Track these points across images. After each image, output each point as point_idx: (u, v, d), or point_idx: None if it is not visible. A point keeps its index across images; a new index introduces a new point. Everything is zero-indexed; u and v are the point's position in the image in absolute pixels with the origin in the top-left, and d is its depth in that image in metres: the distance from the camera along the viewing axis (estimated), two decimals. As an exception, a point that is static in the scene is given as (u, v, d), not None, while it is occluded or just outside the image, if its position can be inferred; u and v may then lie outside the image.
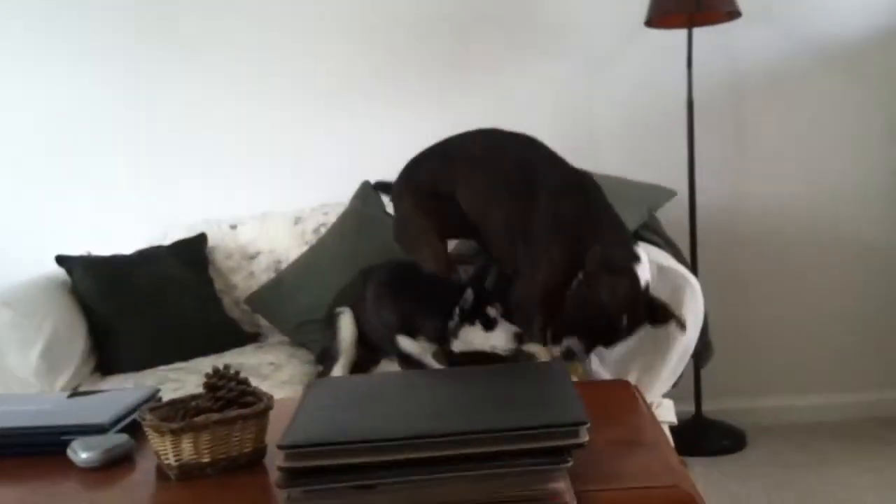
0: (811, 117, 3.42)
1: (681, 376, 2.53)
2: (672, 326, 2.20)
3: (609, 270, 2.13)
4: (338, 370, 2.43)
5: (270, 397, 1.56)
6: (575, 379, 2.21)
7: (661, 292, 2.36)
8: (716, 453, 3.22)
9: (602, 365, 2.37)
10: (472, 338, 2.30)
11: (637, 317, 2.15)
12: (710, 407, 3.37)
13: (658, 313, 2.19)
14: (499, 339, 2.28)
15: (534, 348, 2.24)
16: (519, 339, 2.26)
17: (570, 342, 2.15)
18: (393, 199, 2.58)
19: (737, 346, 3.42)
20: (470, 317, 2.28)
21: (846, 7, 3.34)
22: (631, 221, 2.72)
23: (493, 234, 2.37)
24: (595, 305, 2.10)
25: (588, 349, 2.16)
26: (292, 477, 1.24)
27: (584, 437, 1.24)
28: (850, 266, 3.46)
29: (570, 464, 1.23)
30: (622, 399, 1.73)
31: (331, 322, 2.52)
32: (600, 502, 1.27)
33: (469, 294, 2.28)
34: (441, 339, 2.33)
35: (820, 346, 3.49)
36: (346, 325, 2.49)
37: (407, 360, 2.39)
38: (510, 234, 2.33)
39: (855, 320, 3.48)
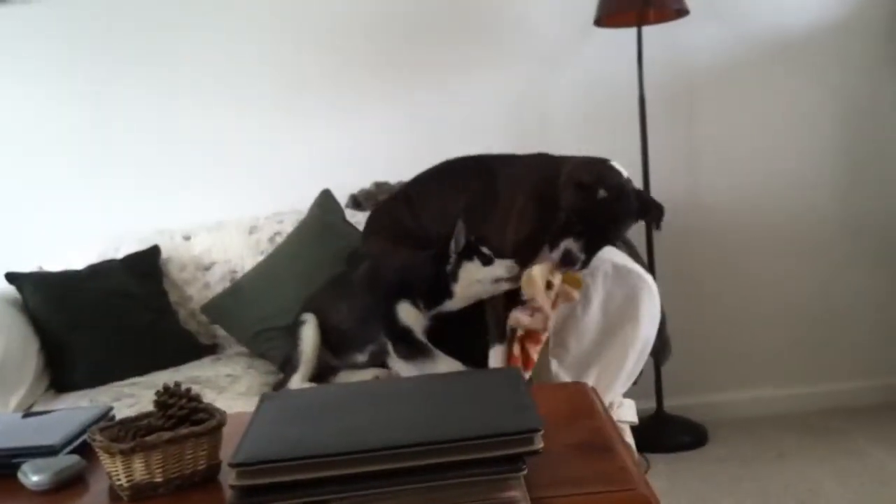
0: (762, 111, 3.45)
1: (640, 374, 2.54)
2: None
3: (589, 170, 2.22)
4: (296, 380, 2.40)
5: (223, 413, 1.54)
6: (576, 296, 2.23)
7: (617, 293, 2.37)
8: (677, 449, 3.24)
9: (561, 367, 2.37)
10: (474, 273, 2.31)
11: (628, 207, 2.23)
12: (671, 403, 3.39)
13: (649, 206, 2.29)
14: (500, 269, 2.30)
15: (536, 270, 2.23)
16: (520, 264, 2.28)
17: (567, 243, 2.19)
18: (362, 247, 2.64)
19: (695, 342, 3.44)
20: (467, 254, 2.31)
21: (789, 2, 3.38)
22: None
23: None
24: (588, 199, 2.17)
25: (586, 251, 2.21)
26: (245, 495, 1.23)
27: (539, 444, 1.24)
28: (804, 259, 3.50)
29: (524, 471, 1.22)
30: (579, 402, 1.73)
31: (294, 330, 2.49)
32: (556, 509, 1.26)
33: (460, 226, 2.31)
34: (440, 293, 2.32)
35: (776, 340, 3.53)
36: (309, 335, 2.45)
37: (403, 338, 2.34)
38: (475, 217, 2.39)
39: (810, 313, 3.52)
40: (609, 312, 2.37)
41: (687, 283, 3.46)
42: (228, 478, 1.24)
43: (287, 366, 2.47)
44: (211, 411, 1.54)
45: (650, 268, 3.20)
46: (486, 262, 2.31)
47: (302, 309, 2.53)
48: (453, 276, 2.32)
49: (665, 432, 3.33)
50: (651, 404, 3.37)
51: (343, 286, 2.52)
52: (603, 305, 2.38)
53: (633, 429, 2.73)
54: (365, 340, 2.42)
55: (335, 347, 2.47)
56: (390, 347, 2.36)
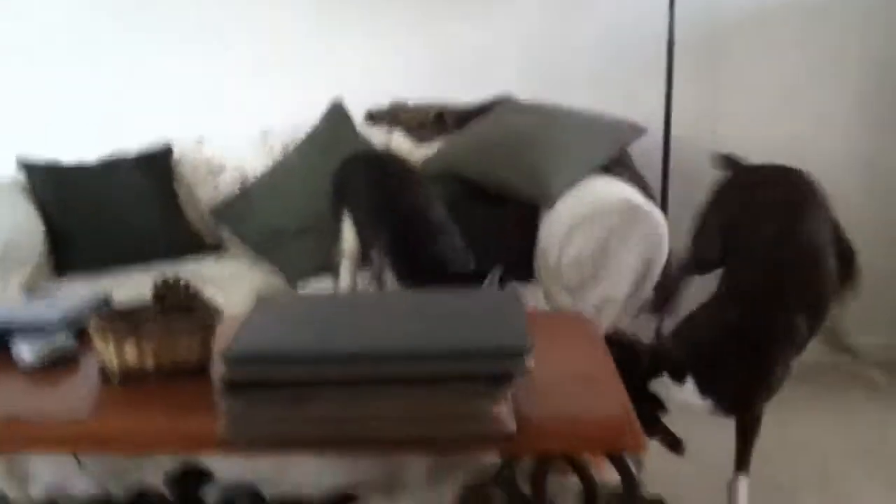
0: (793, 61, 3.38)
1: (641, 310, 2.54)
2: None
3: None
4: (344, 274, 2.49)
5: (218, 309, 1.55)
6: None
7: (627, 227, 2.36)
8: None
9: (562, 294, 2.37)
10: None
11: None
12: (668, 343, 3.39)
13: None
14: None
15: None
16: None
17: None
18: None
19: (700, 285, 3.42)
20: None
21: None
22: (600, 156, 2.72)
23: None
24: None
25: None
26: (233, 387, 1.24)
27: (528, 364, 1.24)
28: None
29: (512, 389, 1.23)
30: (576, 331, 1.73)
31: (336, 217, 2.53)
32: (541, 428, 1.27)
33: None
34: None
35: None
36: (350, 232, 2.51)
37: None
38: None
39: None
40: (616, 246, 2.37)
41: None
42: (218, 370, 1.25)
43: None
44: (207, 306, 1.55)
45: (664, 207, 3.17)
46: None
47: (339, 203, 2.56)
48: None
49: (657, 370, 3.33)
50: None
51: (371, 226, 2.49)
52: (611, 239, 2.37)
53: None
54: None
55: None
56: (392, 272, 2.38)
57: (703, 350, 1.97)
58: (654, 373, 1.96)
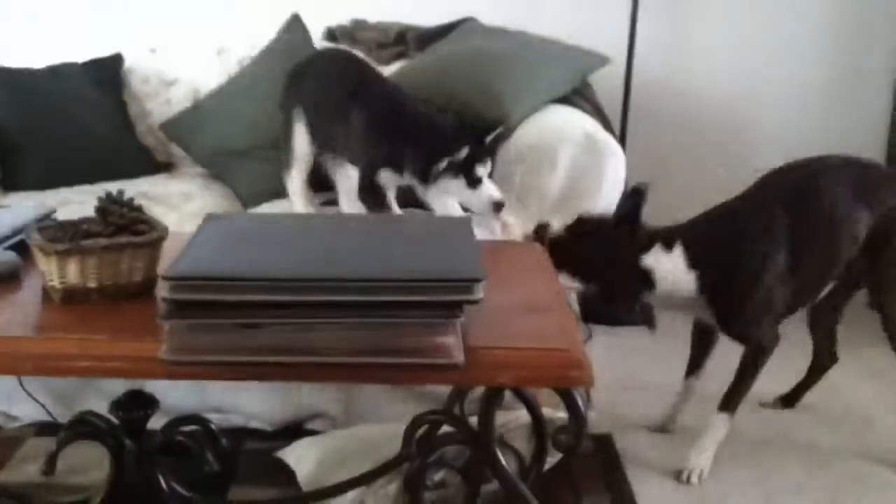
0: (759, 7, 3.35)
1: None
2: None
3: None
4: (294, 179, 2.41)
5: (165, 227, 1.51)
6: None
7: (583, 160, 2.35)
8: (623, 323, 3.26)
9: (520, 226, 2.36)
10: (450, 189, 2.22)
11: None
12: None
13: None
14: (477, 200, 2.21)
15: (511, 219, 2.24)
16: (497, 207, 2.21)
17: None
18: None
19: (655, 222, 3.43)
20: (455, 169, 2.20)
21: None
22: (562, 85, 2.68)
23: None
24: None
25: None
26: (176, 309, 1.21)
27: (479, 294, 1.22)
28: (778, 156, 3.45)
29: (461, 319, 1.21)
30: (529, 262, 1.71)
31: (287, 122, 2.43)
32: (489, 360, 1.26)
33: (463, 151, 2.18)
34: (423, 177, 2.23)
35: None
36: (303, 134, 2.41)
37: (374, 193, 2.28)
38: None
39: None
40: (573, 178, 2.36)
41: (656, 161, 3.42)
42: (161, 290, 1.22)
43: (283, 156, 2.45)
44: (153, 224, 1.50)
45: (622, 140, 3.16)
46: (473, 184, 2.20)
47: (294, 100, 2.44)
48: (434, 178, 2.21)
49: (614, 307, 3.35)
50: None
51: (339, 115, 2.38)
52: (568, 171, 2.36)
53: (584, 299, 2.75)
54: (354, 160, 2.38)
55: (321, 137, 2.43)
56: (354, 192, 2.32)
57: (697, 231, 2.22)
58: (648, 247, 2.15)
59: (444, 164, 2.19)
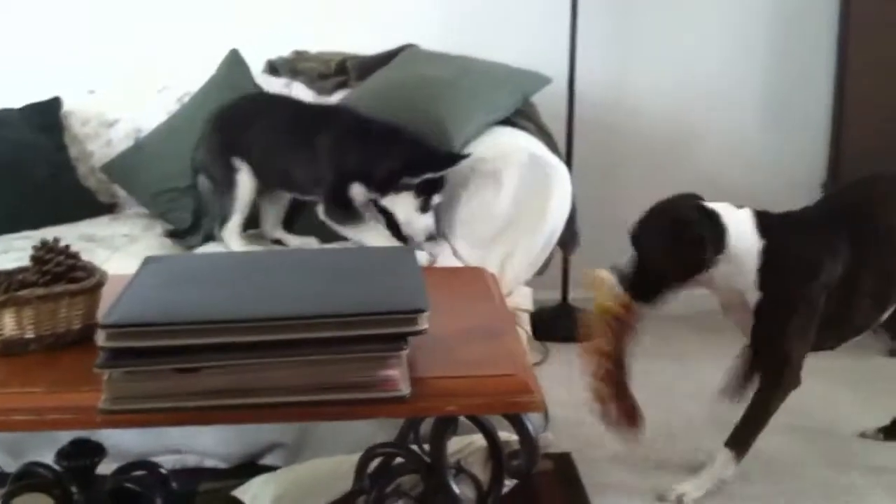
0: (701, 6, 3.39)
1: (546, 264, 2.54)
2: None
3: None
4: (231, 227, 2.42)
5: (103, 273, 1.49)
6: None
7: (530, 181, 2.35)
8: (578, 340, 3.27)
9: (467, 248, 2.36)
10: (400, 206, 2.30)
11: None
12: (577, 295, 3.42)
13: None
14: (418, 225, 2.30)
15: (439, 255, 2.29)
16: (430, 238, 2.31)
17: None
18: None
19: (607, 236, 3.42)
20: (419, 190, 2.27)
21: None
22: (504, 107, 2.69)
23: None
24: None
25: None
26: (113, 357, 1.18)
27: (423, 325, 1.21)
28: (722, 163, 3.50)
29: (405, 350, 1.20)
30: (475, 286, 1.71)
31: (227, 175, 2.44)
32: (436, 390, 1.25)
33: (440, 178, 2.28)
34: (384, 186, 2.30)
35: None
36: (246, 182, 2.43)
37: (341, 204, 2.34)
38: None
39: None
40: (520, 200, 2.36)
41: (604, 177, 3.45)
42: (98, 339, 1.20)
43: (218, 207, 2.45)
44: (90, 270, 1.48)
45: (568, 158, 3.17)
46: (425, 208, 2.30)
47: (230, 150, 2.46)
48: (394, 189, 2.30)
49: (568, 323, 3.35)
50: (557, 296, 3.39)
51: (301, 144, 2.42)
52: (515, 192, 2.36)
53: (538, 318, 2.75)
54: (307, 192, 2.43)
55: (269, 178, 2.45)
56: (321, 208, 2.36)
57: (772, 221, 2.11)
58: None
59: (418, 179, 2.26)
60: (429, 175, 2.27)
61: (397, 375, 1.20)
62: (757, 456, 2.29)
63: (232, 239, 2.43)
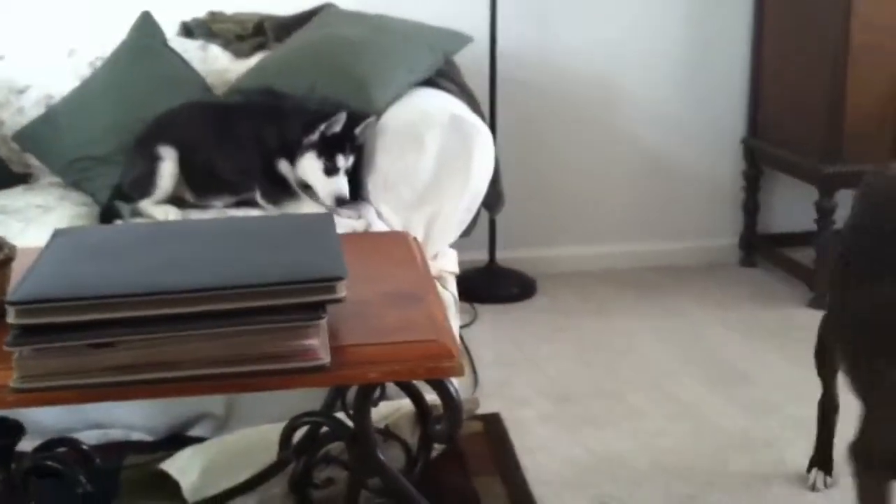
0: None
1: (472, 225, 2.54)
2: None
3: None
4: (148, 203, 2.41)
5: (13, 247, 1.43)
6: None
7: (452, 143, 2.34)
8: (506, 300, 3.29)
9: (391, 212, 2.34)
10: (306, 170, 2.39)
11: None
12: (503, 256, 3.43)
13: None
14: (325, 188, 2.36)
15: (357, 221, 2.30)
16: (339, 202, 2.35)
17: None
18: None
19: (532, 197, 3.46)
20: (320, 149, 2.34)
21: None
22: (426, 67, 2.67)
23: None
24: None
25: None
26: (24, 335, 1.15)
27: (342, 293, 1.20)
28: (644, 122, 3.53)
29: (323, 319, 1.19)
30: (397, 251, 1.70)
31: (151, 163, 2.44)
32: (357, 357, 1.25)
33: (341, 117, 2.34)
34: (290, 152, 2.40)
35: (611, 198, 3.58)
36: (168, 171, 2.44)
37: (275, 183, 2.41)
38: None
39: (644, 173, 3.58)
40: (443, 162, 2.34)
41: (528, 136, 3.45)
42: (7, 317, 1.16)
43: (135, 189, 2.45)
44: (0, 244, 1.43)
45: (492, 119, 3.17)
46: (329, 172, 2.36)
47: (156, 138, 2.48)
48: (301, 152, 2.39)
49: (495, 284, 3.38)
50: (484, 256, 3.41)
51: (223, 131, 2.49)
52: (437, 154, 2.34)
53: (466, 280, 2.76)
54: (240, 189, 2.45)
55: (200, 187, 2.48)
56: (258, 191, 2.42)
57: None
58: None
59: (315, 135, 2.34)
60: (322, 127, 2.33)
61: (317, 344, 1.19)
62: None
63: (156, 210, 2.41)
